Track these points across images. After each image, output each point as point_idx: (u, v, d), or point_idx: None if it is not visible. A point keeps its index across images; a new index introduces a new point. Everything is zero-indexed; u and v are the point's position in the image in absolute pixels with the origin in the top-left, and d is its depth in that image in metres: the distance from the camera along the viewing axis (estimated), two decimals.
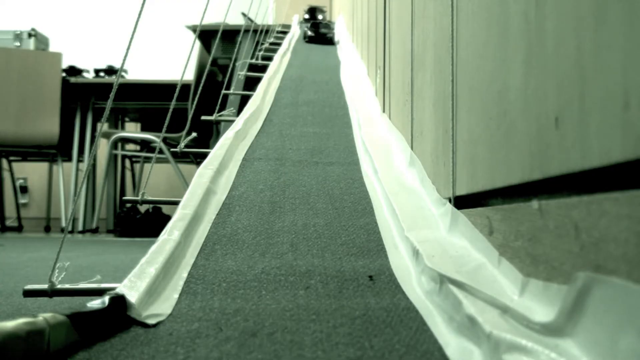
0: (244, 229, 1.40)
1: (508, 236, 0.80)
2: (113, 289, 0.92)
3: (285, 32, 4.20)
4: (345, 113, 2.47)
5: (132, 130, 5.42)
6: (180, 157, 4.15)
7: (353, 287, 1.08)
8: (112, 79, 4.75)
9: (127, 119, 5.40)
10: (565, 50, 0.60)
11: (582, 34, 0.57)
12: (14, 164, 5.06)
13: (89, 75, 4.87)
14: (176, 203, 1.45)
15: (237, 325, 0.86)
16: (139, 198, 1.64)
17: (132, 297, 0.91)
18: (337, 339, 0.82)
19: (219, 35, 2.54)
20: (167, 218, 1.60)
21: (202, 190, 1.54)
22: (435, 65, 1.31)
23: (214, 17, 3.15)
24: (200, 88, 2.30)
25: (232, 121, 2.12)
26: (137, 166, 5.22)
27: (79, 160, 4.65)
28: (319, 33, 4.02)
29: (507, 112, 0.80)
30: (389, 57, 2.19)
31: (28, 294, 1.06)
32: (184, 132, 1.97)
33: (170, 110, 1.75)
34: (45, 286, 1.04)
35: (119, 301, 0.89)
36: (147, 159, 4.51)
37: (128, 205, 4.01)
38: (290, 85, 2.77)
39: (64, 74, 4.61)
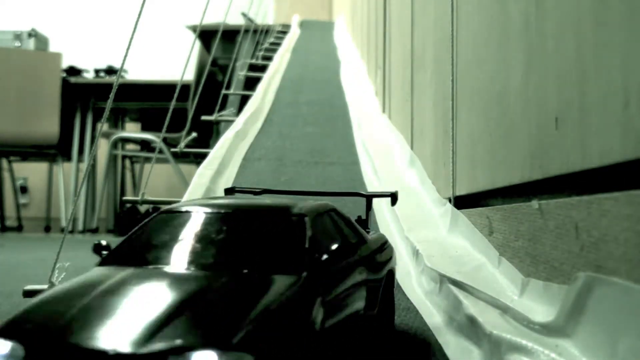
0: None
1: (508, 236, 0.80)
2: None
3: (285, 32, 4.21)
4: None
5: (132, 130, 5.43)
6: (180, 157, 4.16)
7: None
8: (112, 79, 4.76)
9: (127, 119, 5.42)
10: (565, 50, 0.60)
11: (582, 34, 0.57)
12: (14, 164, 5.07)
13: (89, 75, 4.89)
14: None
15: None
16: (139, 198, 1.65)
17: None
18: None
19: (219, 35, 2.54)
20: None
21: (202, 191, 1.54)
22: (435, 65, 1.32)
23: (214, 17, 3.16)
24: (200, 88, 2.31)
25: (232, 121, 2.13)
26: (137, 166, 5.23)
27: (79, 160, 4.66)
28: None
29: (507, 112, 0.80)
30: (389, 57, 2.20)
31: (28, 294, 1.06)
32: (184, 132, 1.98)
33: (170, 110, 1.75)
34: (45, 286, 1.04)
35: None
36: (147, 159, 4.52)
37: (128, 205, 4.02)
38: None
39: (64, 74, 4.62)
